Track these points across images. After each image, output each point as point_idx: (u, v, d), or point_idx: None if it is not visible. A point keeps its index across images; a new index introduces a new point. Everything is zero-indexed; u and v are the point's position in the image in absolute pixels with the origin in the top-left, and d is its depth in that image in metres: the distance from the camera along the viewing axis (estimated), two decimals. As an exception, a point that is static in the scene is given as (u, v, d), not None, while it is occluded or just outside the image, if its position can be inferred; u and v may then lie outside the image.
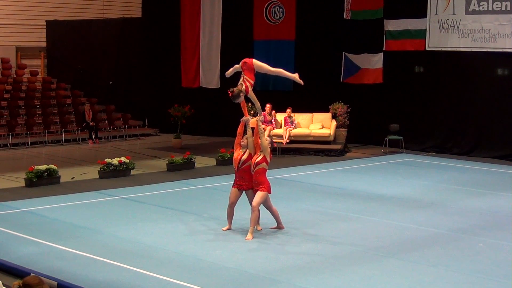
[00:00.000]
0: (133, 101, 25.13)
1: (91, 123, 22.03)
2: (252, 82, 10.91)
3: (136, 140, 22.84)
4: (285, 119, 20.29)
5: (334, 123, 20.48)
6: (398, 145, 20.37)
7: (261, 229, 10.99)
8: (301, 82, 11.36)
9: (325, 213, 12.44)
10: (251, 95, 10.94)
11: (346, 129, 20.66)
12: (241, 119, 11.06)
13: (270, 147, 11.00)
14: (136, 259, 9.43)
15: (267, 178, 10.85)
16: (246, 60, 11.02)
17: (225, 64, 22.24)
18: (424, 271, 9.20)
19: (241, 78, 10.92)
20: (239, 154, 10.94)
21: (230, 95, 10.78)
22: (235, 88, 10.76)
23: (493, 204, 13.45)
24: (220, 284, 8.58)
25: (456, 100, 20.17)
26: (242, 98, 10.85)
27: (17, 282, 5.08)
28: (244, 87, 10.78)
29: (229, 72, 11.62)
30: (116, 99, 25.28)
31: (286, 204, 12.62)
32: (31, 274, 5.06)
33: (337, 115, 20.63)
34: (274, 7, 22.58)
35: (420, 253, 10.01)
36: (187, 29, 23.24)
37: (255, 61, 11.05)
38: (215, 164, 17.63)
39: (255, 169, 10.73)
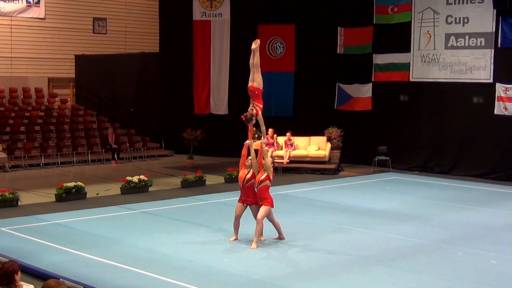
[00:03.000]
0: (151, 126, 25.18)
1: (114, 145, 22.04)
2: (261, 106, 11.00)
3: (153, 161, 22.83)
4: (285, 142, 20.28)
5: (329, 145, 20.46)
6: (385, 165, 20.32)
7: (264, 240, 10.95)
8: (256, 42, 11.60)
9: (321, 225, 12.39)
10: (260, 118, 11.00)
11: (340, 151, 20.62)
12: (244, 142, 11.06)
13: (272, 167, 10.98)
14: (154, 266, 9.40)
15: (270, 194, 10.83)
16: (250, 88, 11.06)
17: (233, 93, 22.47)
18: (410, 278, 9.15)
19: (251, 104, 10.96)
20: (243, 173, 10.93)
21: (243, 119, 10.82)
22: (247, 113, 10.83)
23: (471, 218, 13.39)
24: (228, 288, 8.54)
25: (437, 125, 20.14)
26: (254, 121, 10.90)
27: None
28: (254, 111, 10.84)
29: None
30: (136, 124, 25.33)
31: (287, 217, 12.58)
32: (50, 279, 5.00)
33: (331, 138, 20.62)
34: (276, 43, 22.67)
35: (406, 261, 9.96)
36: (199, 62, 23.35)
37: (255, 84, 11.08)
38: (224, 181, 17.59)
39: (260, 186, 10.71)
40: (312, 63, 22.15)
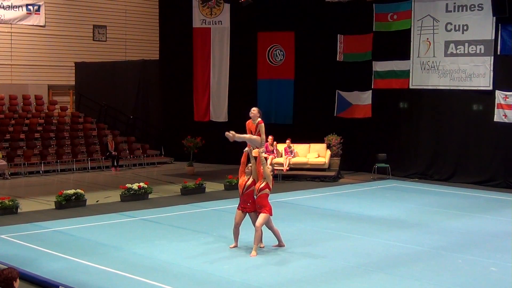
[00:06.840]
0: (151, 133, 25.24)
1: (113, 153, 22.07)
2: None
3: (153, 168, 22.86)
4: (285, 149, 20.31)
5: (328, 152, 20.49)
6: (385, 172, 20.34)
7: (263, 247, 10.97)
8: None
9: (321, 232, 12.41)
10: (262, 127, 11.01)
11: (339, 158, 20.65)
12: (243, 150, 11.08)
13: (272, 174, 11.01)
14: (153, 273, 9.42)
15: (269, 201, 10.85)
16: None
17: (233, 100, 22.53)
18: (409, 285, 9.16)
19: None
20: (243, 180, 10.95)
21: (251, 115, 10.85)
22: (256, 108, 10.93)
23: (470, 225, 13.41)
24: (228, 296, 8.55)
25: (437, 132, 20.19)
26: (259, 119, 10.88)
27: None
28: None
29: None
30: (136, 132, 25.39)
31: (286, 224, 12.60)
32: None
33: (331, 145, 20.65)
34: (276, 51, 22.73)
35: (406, 268, 9.98)
36: (199, 70, 23.43)
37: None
38: (223, 189, 17.62)
39: (259, 194, 10.73)
40: (311, 71, 22.19)
